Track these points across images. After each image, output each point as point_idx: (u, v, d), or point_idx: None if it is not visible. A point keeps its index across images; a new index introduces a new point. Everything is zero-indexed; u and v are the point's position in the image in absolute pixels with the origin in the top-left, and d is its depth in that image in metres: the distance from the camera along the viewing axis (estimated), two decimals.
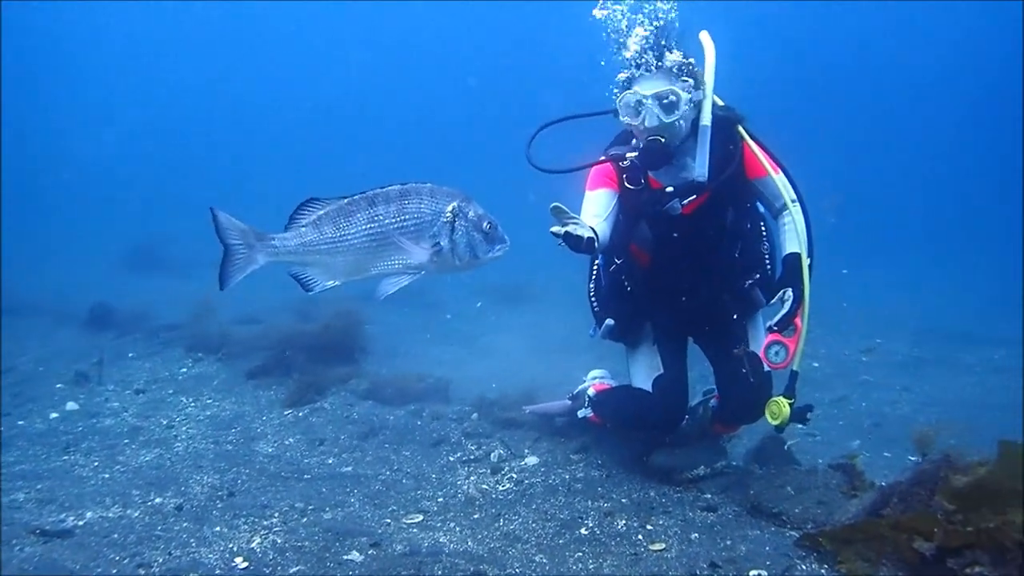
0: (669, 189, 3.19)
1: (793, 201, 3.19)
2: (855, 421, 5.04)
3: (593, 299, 3.73)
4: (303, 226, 2.82)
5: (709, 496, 3.35)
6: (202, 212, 2.92)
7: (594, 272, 3.73)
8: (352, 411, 4.75)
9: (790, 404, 3.05)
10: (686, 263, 3.38)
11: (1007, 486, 2.30)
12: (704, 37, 3.22)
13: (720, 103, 3.25)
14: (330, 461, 4.04)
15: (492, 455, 3.98)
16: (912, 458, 3.92)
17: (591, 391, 3.99)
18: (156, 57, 32.06)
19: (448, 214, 2.60)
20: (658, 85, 3.05)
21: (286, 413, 4.80)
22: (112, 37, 31.98)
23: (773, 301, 3.14)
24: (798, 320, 3.07)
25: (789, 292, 3.06)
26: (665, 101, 3.04)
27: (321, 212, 2.81)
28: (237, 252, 2.91)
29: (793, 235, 3.19)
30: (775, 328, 3.07)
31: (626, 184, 3.27)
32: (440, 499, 3.47)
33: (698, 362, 3.77)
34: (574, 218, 2.80)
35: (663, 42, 3.13)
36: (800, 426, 3.27)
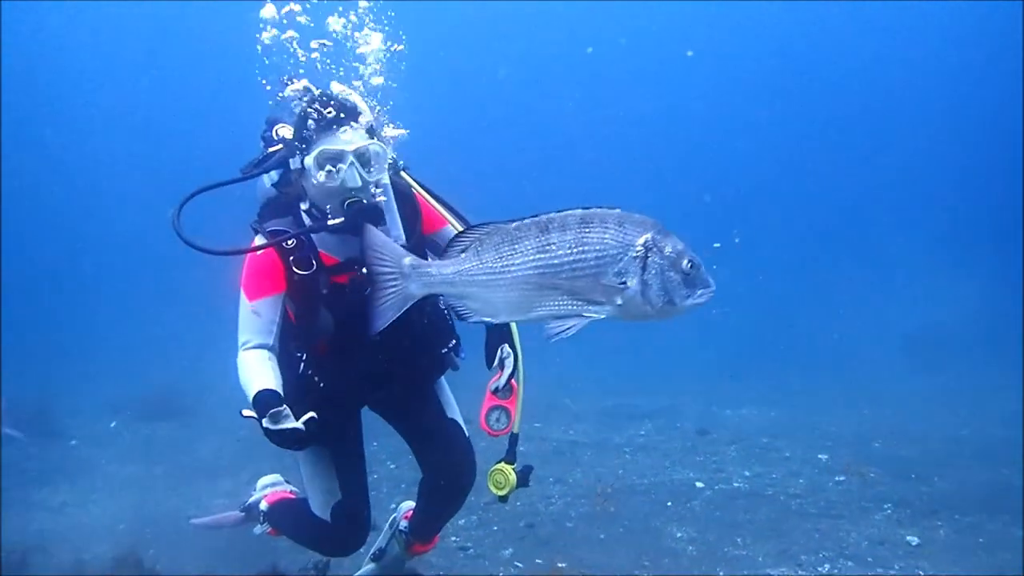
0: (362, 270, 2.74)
1: None
2: (510, 523, 4.91)
3: None
4: (461, 251, 2.25)
5: None
6: None
7: None
8: None
9: (513, 469, 2.79)
10: (373, 339, 2.84)
11: None
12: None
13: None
14: None
15: None
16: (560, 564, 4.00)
17: (263, 504, 3.58)
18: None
19: (639, 248, 2.07)
20: (357, 140, 2.67)
21: None
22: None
23: (494, 365, 2.84)
24: (513, 380, 2.84)
25: (508, 350, 2.81)
26: (364, 157, 2.67)
27: (484, 236, 2.24)
28: (388, 283, 2.37)
29: None
30: (496, 391, 2.81)
31: (295, 270, 2.77)
32: None
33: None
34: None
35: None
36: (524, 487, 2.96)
